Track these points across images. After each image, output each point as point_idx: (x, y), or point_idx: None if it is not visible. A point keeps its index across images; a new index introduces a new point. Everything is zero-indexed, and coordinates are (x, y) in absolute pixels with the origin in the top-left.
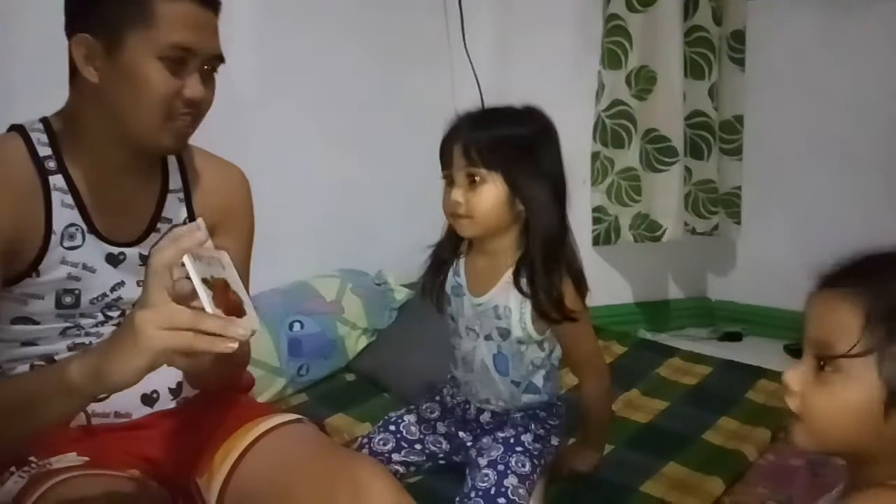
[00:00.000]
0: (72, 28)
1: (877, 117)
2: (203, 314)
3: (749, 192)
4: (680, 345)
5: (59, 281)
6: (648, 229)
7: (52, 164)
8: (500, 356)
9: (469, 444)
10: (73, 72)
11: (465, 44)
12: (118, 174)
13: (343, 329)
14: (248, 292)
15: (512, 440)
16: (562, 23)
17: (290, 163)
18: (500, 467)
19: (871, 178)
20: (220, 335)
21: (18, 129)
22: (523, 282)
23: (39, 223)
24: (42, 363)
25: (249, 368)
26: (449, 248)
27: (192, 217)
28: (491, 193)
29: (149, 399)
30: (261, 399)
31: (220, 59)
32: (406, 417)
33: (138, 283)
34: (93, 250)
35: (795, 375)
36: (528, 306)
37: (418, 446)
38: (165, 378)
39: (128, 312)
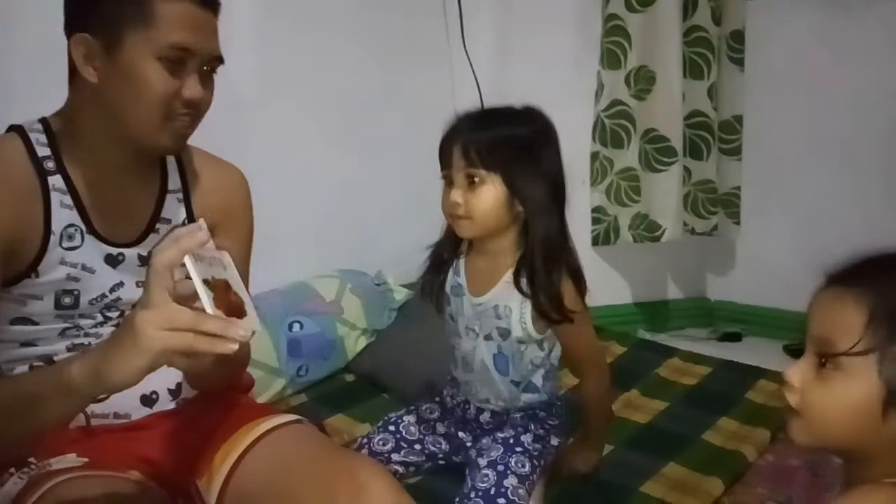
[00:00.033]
0: (71, 28)
1: (877, 117)
2: (204, 315)
3: (748, 193)
4: (679, 345)
5: (58, 282)
6: (648, 229)
7: (50, 165)
8: (500, 356)
9: (469, 444)
10: (73, 72)
11: (464, 44)
12: (117, 174)
13: (342, 329)
14: (248, 293)
15: (512, 440)
16: (561, 23)
17: (289, 163)
18: (500, 467)
19: (871, 178)
20: (220, 336)
21: (17, 130)
22: (523, 282)
23: (38, 224)
24: (41, 364)
25: (249, 369)
26: (448, 248)
27: (191, 217)
28: (490, 194)
29: (148, 400)
30: (260, 400)
31: (220, 60)
32: (406, 418)
33: (137, 284)
34: (92, 251)
35: (796, 372)
36: (528, 306)
37: (418, 446)
38: (165, 379)
39: (127, 313)
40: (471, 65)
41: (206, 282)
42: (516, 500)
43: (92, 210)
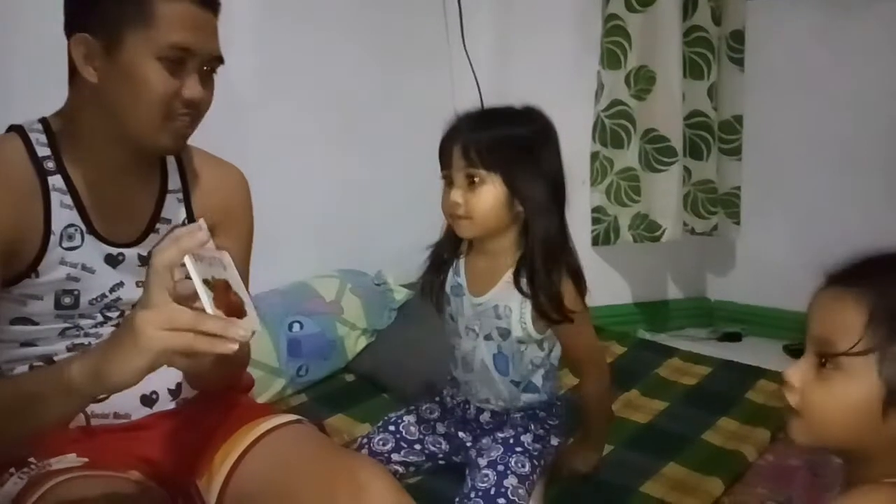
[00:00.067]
0: (71, 28)
1: (877, 117)
2: (204, 315)
3: (748, 193)
4: (679, 345)
5: (58, 281)
6: (648, 229)
7: (50, 165)
8: (500, 356)
9: (469, 444)
10: (73, 72)
11: (464, 44)
12: (117, 174)
13: (342, 329)
14: (248, 293)
15: (512, 440)
16: (561, 23)
17: (289, 163)
18: (500, 468)
19: (871, 178)
20: (220, 336)
21: (17, 130)
22: (523, 282)
23: (38, 224)
24: (41, 364)
25: (249, 369)
26: (448, 248)
27: (191, 217)
28: (490, 194)
29: (148, 400)
30: (260, 400)
31: (220, 60)
32: (406, 418)
33: (137, 284)
34: (92, 251)
35: (796, 371)
36: (528, 306)
37: (418, 446)
38: (165, 379)
39: (127, 313)
40: (471, 65)
41: (206, 282)
42: (516, 500)
43: (92, 210)
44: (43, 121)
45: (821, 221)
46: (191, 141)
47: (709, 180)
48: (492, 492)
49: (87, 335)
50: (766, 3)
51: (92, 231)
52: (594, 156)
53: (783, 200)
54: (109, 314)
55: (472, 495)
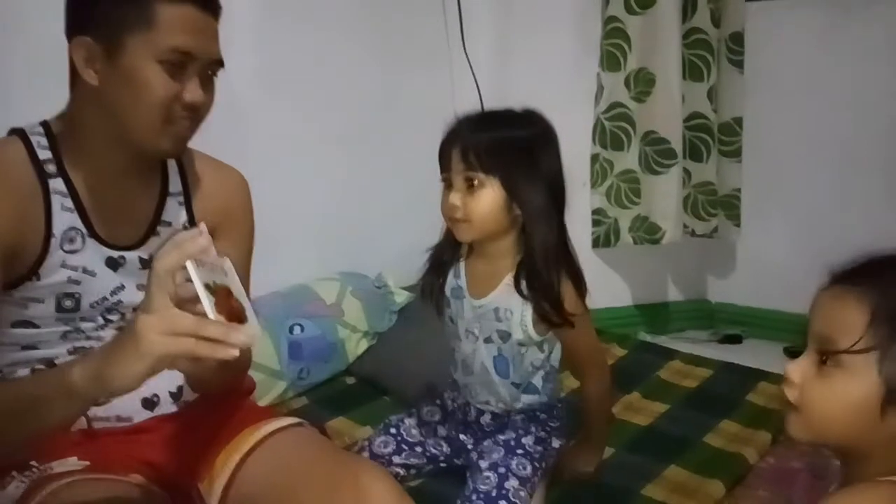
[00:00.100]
0: (72, 30)
1: (877, 119)
2: (205, 320)
3: (748, 194)
4: (680, 347)
5: (59, 284)
6: (648, 231)
7: (51, 168)
8: (500, 358)
9: (470, 446)
10: (74, 75)
11: (464, 45)
12: (118, 177)
13: (343, 332)
14: (248, 295)
15: (513, 443)
16: (561, 25)
17: (289, 164)
18: (501, 470)
19: (872, 180)
20: (221, 342)
21: (18, 133)
22: (523, 284)
23: (39, 227)
24: (42, 367)
25: (250, 372)
26: (448, 251)
27: (191, 220)
28: (488, 198)
29: (150, 403)
30: (262, 403)
31: (220, 63)
32: (407, 420)
33: (138, 287)
34: (93, 254)
35: (797, 368)
36: (529, 308)
37: (419, 449)
38: (166, 382)
39: (128, 316)
40: (470, 66)
41: (207, 287)
42: (517, 502)
43: (93, 213)
44: (44, 124)
45: (821, 223)
46: (191, 142)
47: (709, 182)
48: (493, 494)
49: (88, 338)
50: (765, 6)
51: (93, 234)
52: (594, 158)
53: (783, 202)
54: (110, 317)
55: (474, 497)
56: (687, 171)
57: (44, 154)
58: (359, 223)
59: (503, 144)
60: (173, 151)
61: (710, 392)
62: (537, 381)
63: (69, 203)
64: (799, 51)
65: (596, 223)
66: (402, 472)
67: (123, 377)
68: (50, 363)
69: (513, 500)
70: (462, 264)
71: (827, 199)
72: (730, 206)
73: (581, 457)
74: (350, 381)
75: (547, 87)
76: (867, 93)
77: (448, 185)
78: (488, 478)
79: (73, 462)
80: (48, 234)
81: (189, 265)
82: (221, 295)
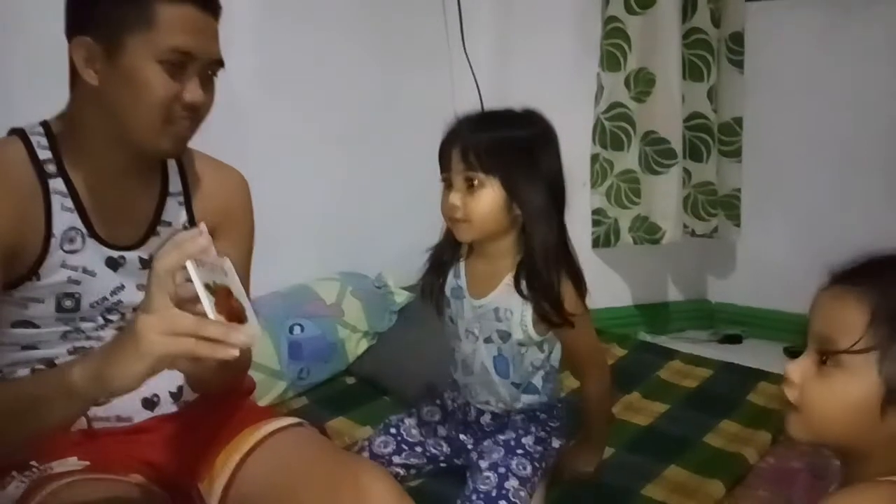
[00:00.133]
0: (72, 31)
1: (877, 118)
2: (205, 320)
3: (748, 194)
4: (680, 347)
5: (59, 284)
6: (648, 231)
7: (52, 168)
8: (500, 358)
9: (470, 446)
10: (74, 74)
11: (464, 45)
12: (118, 177)
13: (343, 332)
14: (248, 295)
15: (513, 443)
16: (561, 25)
17: (289, 164)
18: (501, 470)
19: (872, 180)
20: (221, 342)
21: (18, 133)
22: (523, 284)
23: (39, 227)
24: (42, 367)
25: (250, 372)
26: (448, 251)
27: (191, 220)
28: (488, 198)
29: (150, 403)
30: (262, 403)
31: (220, 63)
32: (407, 420)
33: (138, 287)
34: (93, 254)
35: (797, 367)
36: (529, 308)
37: (419, 449)
38: (166, 382)
39: (128, 316)
40: (470, 66)
41: (207, 287)
42: (517, 502)
43: (93, 213)
44: (44, 124)
45: (821, 223)
46: (191, 142)
47: (709, 182)
48: (493, 494)
49: (88, 338)
50: (765, 5)
51: (93, 234)
52: (594, 158)
53: (783, 202)
54: (110, 317)
55: (474, 497)
56: (687, 171)
57: (44, 154)
58: (359, 223)
59: (503, 144)
60: (173, 151)
61: (710, 392)
62: (537, 381)
63: (69, 203)
64: (799, 51)
65: (596, 223)
66: (402, 472)
67: (123, 377)
68: (50, 363)
69: (513, 500)
70: (462, 264)
71: (827, 199)
72: (730, 206)
73: (581, 457)
74: (350, 381)
75: (547, 87)
76: (867, 93)
77: (448, 185)
78: (488, 478)
79: (73, 462)
80: (48, 234)
81: (189, 265)
82: (221, 295)
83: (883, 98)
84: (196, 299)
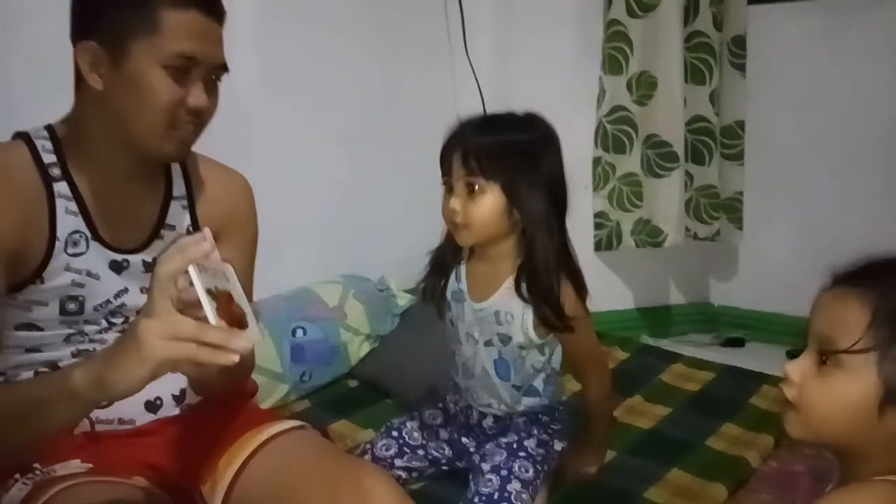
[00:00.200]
0: (77, 35)
1: (879, 121)
2: (206, 326)
3: (751, 197)
4: (682, 350)
5: (62, 287)
6: (650, 235)
7: (56, 171)
8: (501, 361)
9: (472, 449)
10: (78, 79)
11: (465, 46)
12: (122, 181)
13: (346, 335)
14: (251, 298)
15: (515, 445)
16: (562, 27)
17: (291, 166)
18: (504, 472)
19: (874, 183)
20: (222, 347)
21: (23, 137)
22: (523, 287)
23: (44, 230)
24: (46, 370)
25: (252, 375)
26: (450, 253)
27: (195, 224)
28: (488, 203)
29: (152, 406)
30: (264, 405)
31: (225, 68)
32: (409, 423)
33: (142, 290)
34: (96, 257)
35: (797, 367)
36: (529, 312)
37: (421, 452)
38: (169, 385)
39: (131, 319)
40: (472, 68)
41: (209, 292)
42: None
43: (97, 216)
44: (48, 128)
45: (824, 226)
46: (193, 145)
47: (711, 185)
48: (495, 496)
49: (91, 341)
50: (766, 9)
51: (97, 237)
52: (596, 161)
53: (786, 205)
54: (114, 320)
55: (476, 500)
56: (689, 175)
57: (48, 158)
58: (360, 225)
59: (504, 150)
60: (177, 155)
61: (712, 395)
62: (538, 383)
63: (73, 206)
64: (801, 54)
65: (598, 226)
66: (404, 475)
67: (125, 381)
68: (53, 366)
69: (515, 502)
70: (463, 267)
71: (830, 201)
72: (732, 209)
73: (583, 459)
74: (352, 384)
75: (548, 90)
76: (869, 96)
77: (449, 188)
78: (490, 480)
79: (76, 465)
80: (52, 237)
81: (191, 270)
82: (223, 300)
83: (884, 101)
84: (198, 304)
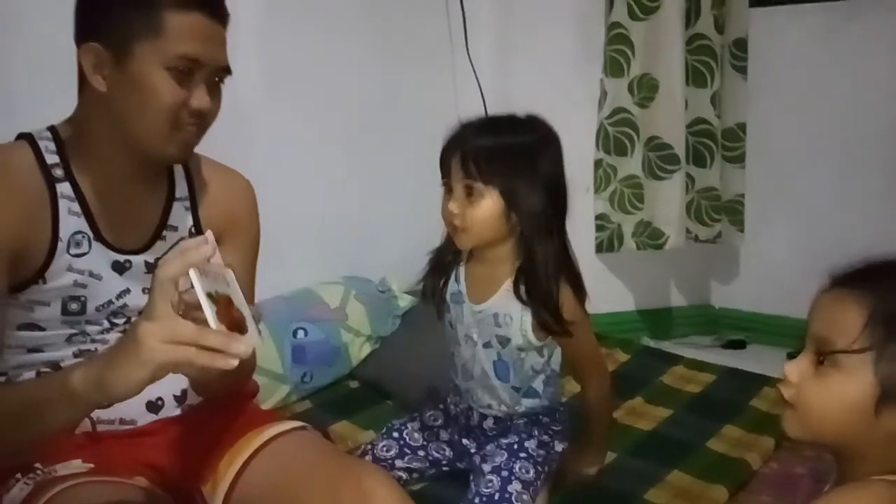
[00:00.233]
0: (81, 37)
1: (879, 122)
2: (206, 329)
3: (752, 200)
4: (683, 352)
5: (65, 288)
6: (651, 237)
7: (59, 172)
8: (500, 363)
9: (473, 450)
10: (82, 80)
11: (467, 46)
12: (125, 182)
13: (347, 336)
14: (253, 300)
15: (516, 446)
16: (563, 28)
17: (292, 167)
18: (504, 473)
19: (875, 185)
20: (222, 351)
21: (26, 138)
22: (522, 290)
23: (46, 230)
24: (48, 370)
25: (253, 375)
26: (450, 253)
27: (197, 225)
28: (487, 207)
29: (154, 406)
30: (265, 406)
31: (227, 70)
32: (409, 424)
33: (144, 291)
34: (99, 258)
35: (795, 367)
36: (528, 314)
37: (421, 453)
38: (170, 385)
39: (133, 320)
40: (473, 68)
41: (209, 296)
42: None
43: (99, 217)
44: (52, 128)
45: (825, 228)
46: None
47: (712, 188)
48: (496, 497)
49: (93, 341)
50: (768, 11)
51: (99, 238)
52: (598, 163)
53: (787, 207)
54: (116, 320)
55: (476, 501)
56: (690, 177)
57: (51, 158)
58: (361, 226)
59: (503, 153)
60: (179, 157)
61: (713, 397)
62: (538, 384)
63: (76, 207)
64: (802, 56)
65: (599, 228)
66: (404, 476)
67: (124, 383)
68: (55, 366)
69: (515, 503)
70: (462, 269)
71: (831, 204)
72: (733, 211)
73: (583, 460)
74: (353, 385)
75: (550, 91)
76: (869, 97)
77: (448, 189)
78: (491, 481)
79: (77, 465)
80: (55, 237)
81: (192, 273)
82: (223, 304)
83: (885, 104)
84: (198, 306)
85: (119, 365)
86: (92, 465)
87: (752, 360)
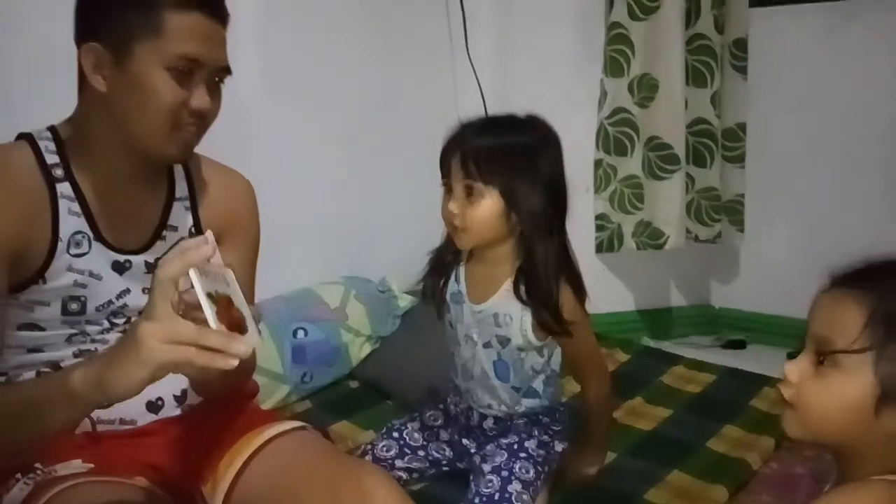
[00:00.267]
0: (81, 37)
1: (879, 122)
2: (206, 330)
3: (752, 200)
4: (683, 352)
5: (65, 288)
6: (651, 237)
7: (59, 172)
8: (500, 363)
9: (473, 450)
10: (82, 80)
11: (467, 46)
12: (125, 182)
13: (347, 336)
14: (253, 299)
15: (516, 446)
16: (563, 28)
17: (292, 167)
18: (504, 473)
19: (875, 185)
20: (221, 351)
21: (27, 138)
22: (522, 290)
23: (46, 230)
24: (48, 370)
25: (253, 375)
26: (450, 253)
27: (197, 225)
28: (486, 207)
29: (154, 406)
30: (265, 406)
31: (227, 70)
32: (409, 424)
33: (144, 291)
34: (99, 258)
35: (794, 367)
36: (528, 314)
37: (421, 453)
38: (170, 385)
39: (133, 320)
40: (473, 68)
41: (209, 296)
42: None
43: (99, 217)
44: (52, 128)
45: (825, 228)
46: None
47: (712, 188)
48: (496, 497)
49: (93, 341)
50: (768, 11)
51: (99, 238)
52: (598, 163)
53: (787, 208)
54: (116, 320)
55: (476, 501)
56: (690, 177)
57: (51, 158)
58: (361, 226)
59: (503, 153)
60: (179, 157)
61: (713, 397)
62: (538, 384)
63: (76, 207)
64: (802, 56)
65: (599, 228)
66: (404, 476)
67: (124, 383)
68: (55, 366)
69: (515, 503)
70: (462, 269)
71: (831, 204)
72: (733, 211)
73: (583, 460)
74: (353, 385)
75: (550, 91)
76: (869, 97)
77: (448, 189)
78: (491, 481)
79: (77, 465)
80: (55, 237)
81: (192, 273)
82: (223, 304)
83: (885, 104)
84: (198, 306)
85: (119, 365)
86: (92, 465)
87: (752, 360)
